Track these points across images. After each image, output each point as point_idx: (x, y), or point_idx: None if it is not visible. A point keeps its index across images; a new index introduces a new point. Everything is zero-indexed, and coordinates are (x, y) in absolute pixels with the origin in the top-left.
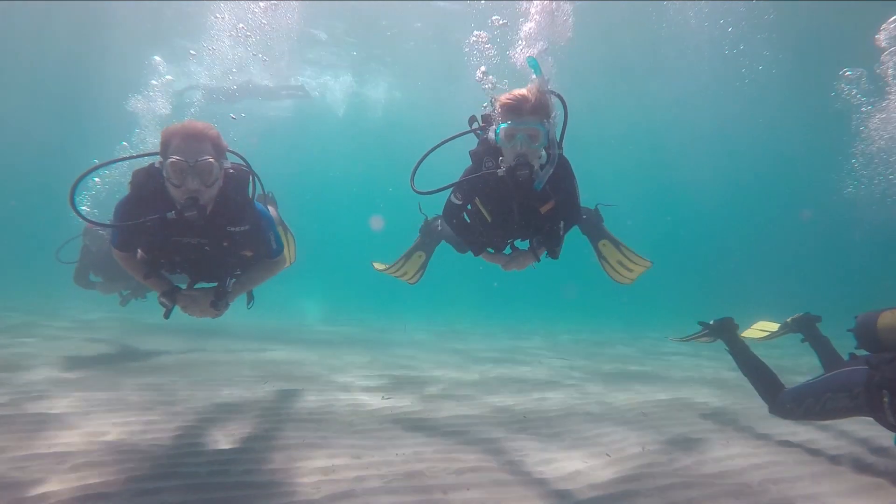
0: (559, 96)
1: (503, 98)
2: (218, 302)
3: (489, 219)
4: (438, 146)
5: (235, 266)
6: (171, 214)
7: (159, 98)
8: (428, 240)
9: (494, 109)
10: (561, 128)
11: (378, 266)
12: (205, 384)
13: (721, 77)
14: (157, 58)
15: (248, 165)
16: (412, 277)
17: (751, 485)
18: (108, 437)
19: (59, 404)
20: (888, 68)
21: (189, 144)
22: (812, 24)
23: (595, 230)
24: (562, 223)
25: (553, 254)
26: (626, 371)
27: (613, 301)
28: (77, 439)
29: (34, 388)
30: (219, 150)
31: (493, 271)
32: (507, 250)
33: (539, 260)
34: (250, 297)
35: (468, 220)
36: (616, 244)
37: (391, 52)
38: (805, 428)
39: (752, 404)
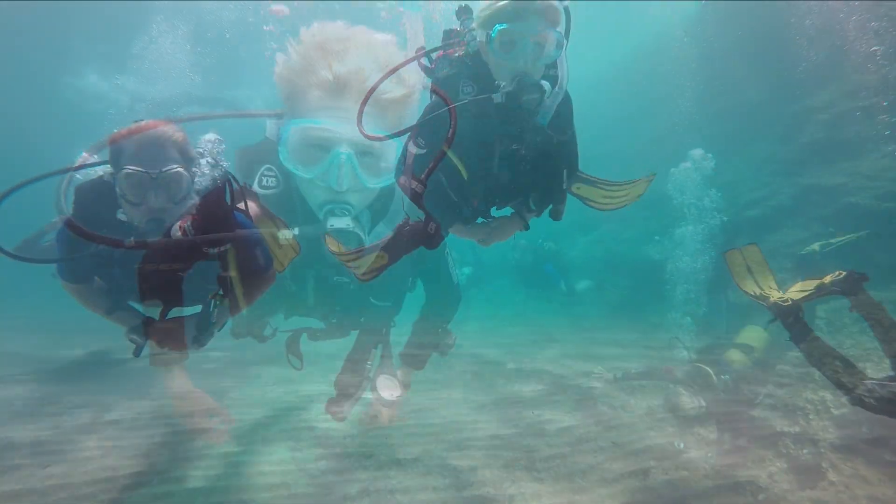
0: None
1: None
2: (201, 336)
3: (465, 175)
4: (387, 76)
5: (217, 288)
6: (130, 242)
7: None
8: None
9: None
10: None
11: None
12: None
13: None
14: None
15: (224, 168)
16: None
17: (758, 480)
18: (120, 443)
19: (63, 414)
20: None
21: (148, 151)
22: None
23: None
24: (565, 172)
25: (556, 214)
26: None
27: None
28: (91, 443)
29: (25, 402)
30: (187, 157)
31: None
32: (480, 219)
33: (527, 226)
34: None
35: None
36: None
37: None
38: (801, 419)
39: (747, 399)
